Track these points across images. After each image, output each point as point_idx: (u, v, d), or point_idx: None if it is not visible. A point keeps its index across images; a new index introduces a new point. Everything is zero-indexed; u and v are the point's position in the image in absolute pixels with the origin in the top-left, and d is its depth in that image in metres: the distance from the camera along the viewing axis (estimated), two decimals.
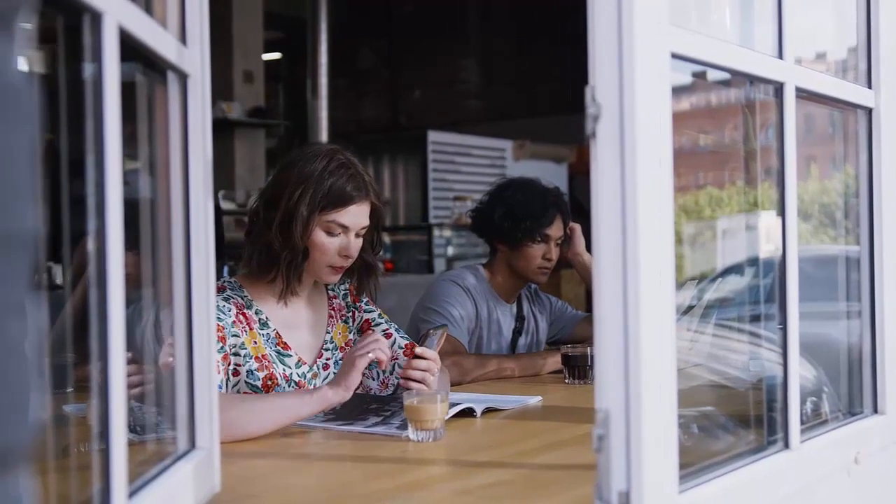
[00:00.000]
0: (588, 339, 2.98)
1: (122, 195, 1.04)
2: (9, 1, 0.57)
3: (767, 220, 1.91)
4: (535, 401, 2.35)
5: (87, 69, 1.02)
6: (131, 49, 1.11)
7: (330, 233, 2.18)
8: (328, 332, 2.34)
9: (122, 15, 1.04)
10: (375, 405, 2.12)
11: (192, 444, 1.37)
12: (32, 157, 0.59)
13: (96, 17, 0.99)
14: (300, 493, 1.58)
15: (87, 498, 1.04)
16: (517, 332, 3.13)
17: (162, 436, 1.44)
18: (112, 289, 1.01)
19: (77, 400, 1.41)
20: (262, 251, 2.19)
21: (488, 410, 2.18)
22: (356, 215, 2.20)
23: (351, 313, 2.41)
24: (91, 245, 1.01)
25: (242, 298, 2.22)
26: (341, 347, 2.35)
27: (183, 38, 1.35)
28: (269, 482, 1.63)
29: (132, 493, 1.10)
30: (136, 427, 1.34)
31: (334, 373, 2.29)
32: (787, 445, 1.52)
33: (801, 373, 1.57)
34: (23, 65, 0.59)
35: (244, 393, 2.14)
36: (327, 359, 2.32)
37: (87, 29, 1.00)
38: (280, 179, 2.20)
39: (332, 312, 2.37)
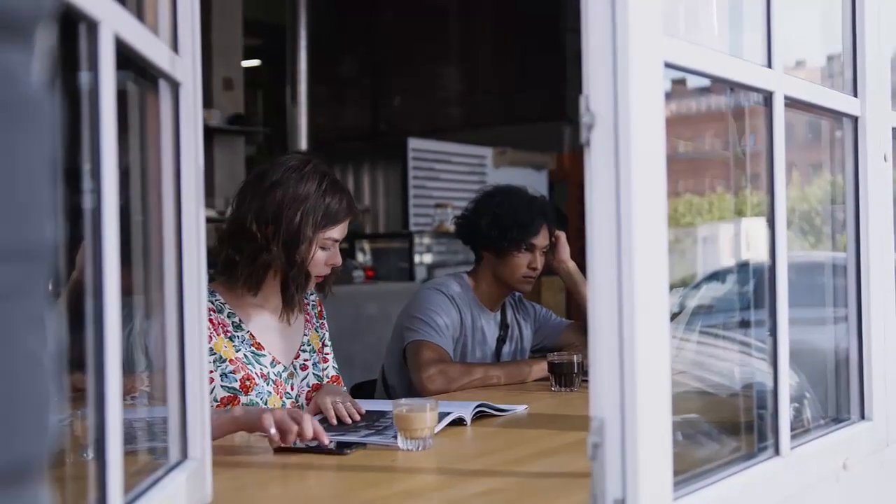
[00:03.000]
0: (573, 347, 2.99)
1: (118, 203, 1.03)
2: (28, 13, 0.56)
3: (748, 227, 1.92)
4: (521, 409, 2.35)
5: (83, 77, 1.02)
6: (124, 57, 1.11)
7: (323, 248, 2.29)
8: (305, 335, 2.42)
9: (117, 23, 1.04)
10: (365, 421, 2.12)
11: (185, 455, 1.36)
12: (51, 169, 0.59)
13: (92, 26, 0.99)
14: (291, 503, 1.57)
15: None
16: (501, 340, 3.13)
17: (152, 445, 1.43)
18: (108, 298, 1.01)
19: (70, 409, 1.40)
20: (261, 269, 2.25)
21: (479, 415, 2.18)
22: (345, 228, 2.33)
23: (319, 323, 2.51)
24: (87, 253, 1.01)
25: (213, 303, 2.25)
26: (318, 351, 2.44)
27: (175, 46, 1.35)
28: (261, 492, 1.62)
29: None
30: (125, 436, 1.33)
31: (313, 373, 2.39)
32: (777, 452, 1.52)
33: None
34: (42, 75, 0.59)
35: (221, 398, 2.16)
36: (305, 360, 2.40)
37: (84, 37, 0.99)
38: (271, 199, 2.23)
39: (308, 317, 2.46)
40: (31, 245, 0.56)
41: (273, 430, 1.80)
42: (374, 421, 2.12)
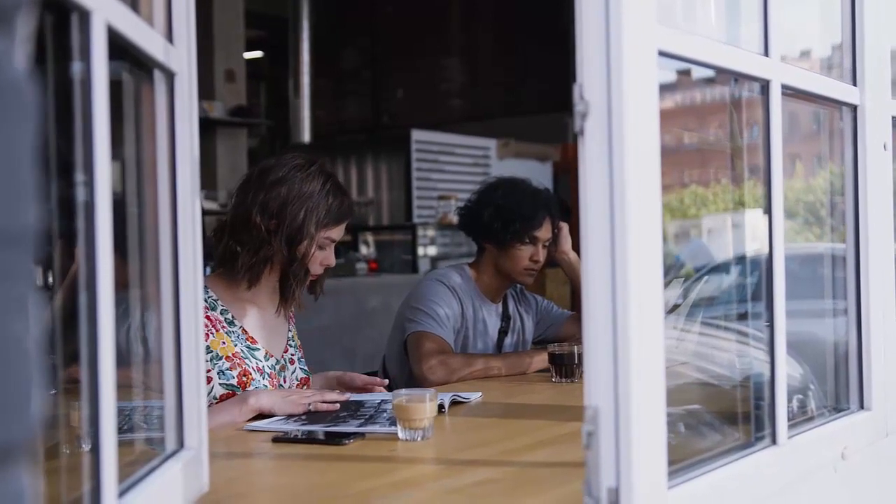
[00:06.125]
0: (574, 338, 2.99)
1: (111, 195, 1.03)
2: (9, 1, 0.56)
3: (752, 219, 1.92)
4: (475, 396, 2.38)
5: (75, 67, 1.02)
6: (118, 47, 1.11)
7: (321, 247, 2.32)
8: (290, 331, 2.47)
9: (110, 13, 1.04)
10: (345, 412, 2.12)
11: (181, 444, 1.37)
12: (34, 156, 0.59)
13: (84, 16, 0.99)
14: (289, 493, 1.58)
15: (77, 498, 1.04)
16: (503, 332, 3.13)
17: (150, 435, 1.43)
18: (101, 289, 1.01)
19: (66, 400, 1.41)
20: (262, 262, 2.28)
21: (455, 403, 2.24)
22: (342, 230, 2.38)
23: (295, 322, 2.55)
24: (79, 246, 1.01)
25: (206, 300, 2.27)
26: (299, 346, 2.50)
27: (170, 36, 1.34)
28: (258, 482, 1.62)
29: (122, 493, 1.10)
30: (121, 426, 1.34)
31: (300, 368, 2.45)
32: (774, 441, 1.52)
33: (787, 371, 1.58)
34: (23, 63, 0.59)
35: (220, 395, 2.19)
36: (292, 354, 2.45)
37: (76, 27, 0.99)
38: (275, 194, 2.27)
39: (291, 315, 2.50)
40: (13, 230, 0.56)
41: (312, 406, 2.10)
42: (355, 410, 2.12)
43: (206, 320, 2.23)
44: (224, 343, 2.26)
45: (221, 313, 2.29)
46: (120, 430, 1.13)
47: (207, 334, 2.21)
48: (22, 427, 0.57)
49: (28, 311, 0.57)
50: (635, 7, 1.17)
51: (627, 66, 1.16)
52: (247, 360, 2.27)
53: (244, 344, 2.29)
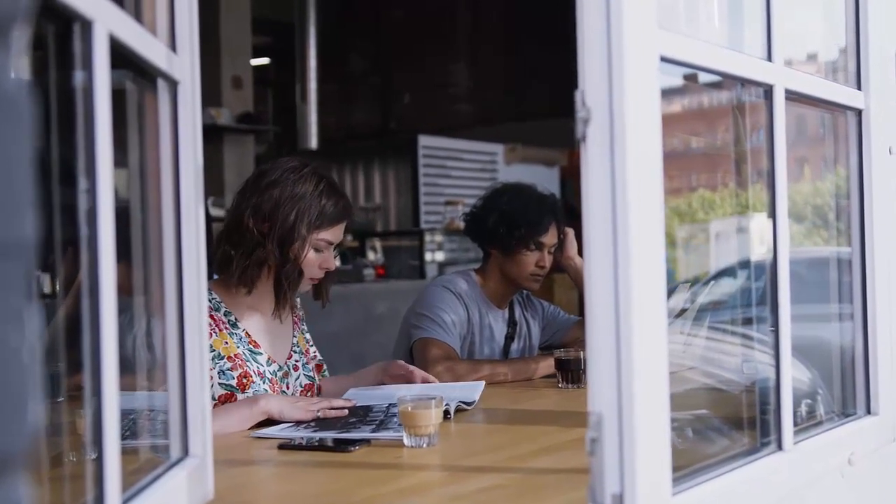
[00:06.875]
0: (580, 343, 2.98)
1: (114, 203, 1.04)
2: (5, 10, 0.57)
3: (760, 223, 1.91)
4: (479, 387, 2.41)
5: (77, 76, 1.02)
6: (121, 56, 1.11)
7: (317, 249, 2.32)
8: (294, 336, 2.46)
9: (112, 22, 1.04)
10: (354, 418, 2.12)
11: (186, 452, 1.37)
12: (30, 166, 0.59)
13: (86, 25, 0.99)
14: (295, 500, 1.58)
15: None
16: (509, 338, 3.13)
17: (154, 442, 1.43)
18: (104, 297, 1.01)
19: (69, 408, 1.41)
20: (256, 265, 2.28)
21: (460, 410, 2.23)
22: (341, 232, 2.36)
23: (304, 328, 2.54)
24: (83, 254, 1.01)
25: (210, 301, 2.27)
26: (304, 353, 2.48)
27: (173, 45, 1.35)
28: (263, 490, 1.62)
29: (126, 501, 1.10)
30: (126, 433, 1.34)
31: (304, 374, 2.44)
32: (780, 447, 1.52)
33: (795, 375, 1.57)
34: (20, 73, 0.59)
35: (219, 396, 2.20)
36: (296, 360, 2.44)
37: (78, 36, 1.00)
38: (268, 196, 2.28)
39: (296, 320, 2.50)
40: (10, 241, 0.56)
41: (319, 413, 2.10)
42: (364, 416, 2.12)
43: (209, 320, 2.23)
44: (227, 343, 2.26)
45: (225, 315, 2.30)
46: (123, 437, 1.13)
47: (210, 333, 2.21)
48: (19, 437, 0.57)
49: (25, 322, 0.58)
50: (636, 12, 1.17)
51: (629, 71, 1.16)
52: (248, 363, 2.27)
53: (246, 347, 2.29)
